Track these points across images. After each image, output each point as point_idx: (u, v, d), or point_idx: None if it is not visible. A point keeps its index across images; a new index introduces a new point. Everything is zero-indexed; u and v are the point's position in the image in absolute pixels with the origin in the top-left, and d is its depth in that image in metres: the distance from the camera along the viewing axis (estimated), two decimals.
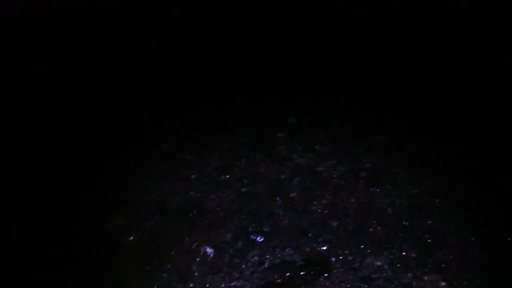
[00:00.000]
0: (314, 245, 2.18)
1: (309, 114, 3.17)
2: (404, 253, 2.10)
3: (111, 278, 2.11)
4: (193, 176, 2.69)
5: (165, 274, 2.10)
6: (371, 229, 2.25)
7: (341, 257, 2.10)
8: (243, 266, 2.10)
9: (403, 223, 2.27)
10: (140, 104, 3.31)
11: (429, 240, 2.16)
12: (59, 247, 2.26)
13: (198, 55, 3.59)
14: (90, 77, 2.95)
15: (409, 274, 2.00)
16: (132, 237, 2.33)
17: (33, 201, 2.50)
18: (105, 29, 2.95)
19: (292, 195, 2.50)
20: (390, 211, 2.35)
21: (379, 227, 2.25)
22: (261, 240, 2.23)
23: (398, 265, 2.04)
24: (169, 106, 3.36)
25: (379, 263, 2.06)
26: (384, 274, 2.01)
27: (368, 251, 2.12)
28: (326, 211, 2.38)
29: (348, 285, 1.96)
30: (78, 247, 2.26)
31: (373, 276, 2.00)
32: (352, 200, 2.44)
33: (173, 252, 2.21)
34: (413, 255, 2.08)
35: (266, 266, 2.08)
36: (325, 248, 2.16)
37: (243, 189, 2.57)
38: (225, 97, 3.47)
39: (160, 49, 3.32)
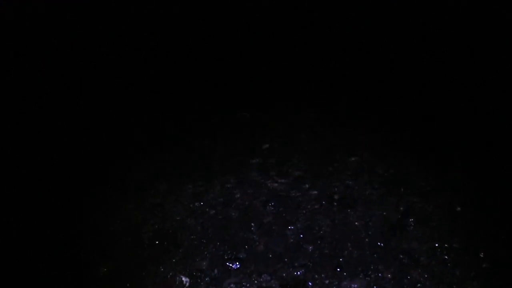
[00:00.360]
0: (290, 269, 2.17)
1: (281, 138, 3.19)
2: (380, 274, 2.11)
3: None
4: (166, 205, 2.64)
5: None
6: (346, 252, 2.25)
7: (317, 281, 2.10)
8: None
9: (378, 244, 2.28)
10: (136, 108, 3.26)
11: (404, 260, 2.17)
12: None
13: (198, 55, 3.55)
14: (90, 77, 2.91)
15: None
16: (105, 268, 2.27)
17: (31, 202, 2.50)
18: (105, 29, 2.92)
19: (266, 220, 2.49)
20: (365, 233, 2.36)
21: (354, 249, 2.26)
22: (237, 267, 2.21)
23: (374, 287, 2.04)
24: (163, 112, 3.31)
25: (355, 286, 2.06)
26: None
27: (344, 273, 2.13)
28: (301, 235, 2.38)
29: None
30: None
31: None
32: (327, 223, 2.44)
33: (148, 282, 2.16)
34: (389, 275, 2.09)
35: None
36: (301, 272, 2.16)
37: (218, 216, 2.54)
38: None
39: (160, 49, 3.29)
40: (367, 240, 2.32)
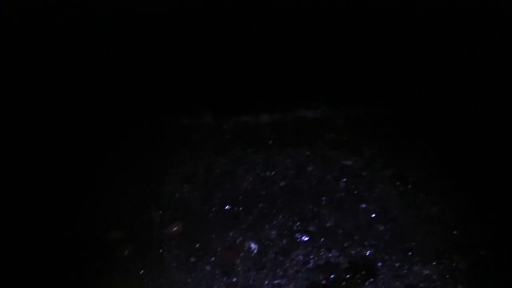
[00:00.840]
0: (360, 248, 2.15)
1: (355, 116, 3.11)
2: (454, 264, 2.04)
3: (154, 266, 2.13)
4: (238, 172, 2.67)
5: (208, 267, 2.11)
6: (419, 236, 2.19)
7: (387, 263, 2.06)
8: (287, 264, 2.08)
9: (453, 232, 2.20)
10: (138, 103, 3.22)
11: (481, 253, 2.08)
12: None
13: (199, 56, 3.51)
14: (90, 77, 2.94)
15: (459, 287, 1.94)
16: (176, 228, 2.35)
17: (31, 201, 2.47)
18: (105, 29, 2.95)
19: (338, 196, 2.46)
20: (439, 219, 2.28)
21: (427, 235, 2.19)
22: (306, 239, 2.21)
23: (447, 276, 1.98)
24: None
25: (427, 272, 2.01)
26: (433, 284, 1.95)
27: (416, 258, 2.07)
28: (373, 215, 2.33)
29: None
30: (123, 234, 2.31)
31: (420, 285, 1.96)
32: (400, 205, 2.38)
33: (217, 246, 2.22)
34: (464, 266, 2.02)
35: (310, 266, 2.06)
36: (371, 252, 2.12)
37: (289, 187, 2.54)
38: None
39: (160, 49, 3.29)
40: (441, 226, 2.24)
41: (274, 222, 2.33)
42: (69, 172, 2.65)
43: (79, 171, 2.68)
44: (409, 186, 2.50)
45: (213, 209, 2.44)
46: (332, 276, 2.00)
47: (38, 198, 2.47)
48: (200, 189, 2.56)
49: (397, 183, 2.52)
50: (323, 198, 2.44)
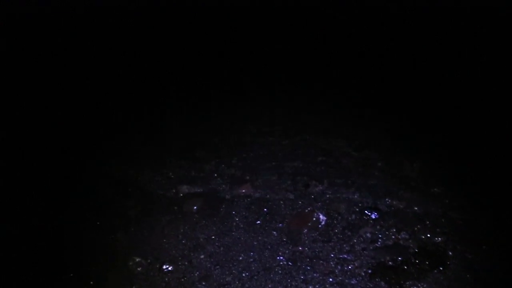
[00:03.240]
0: (431, 234, 2.09)
1: None
2: None
3: (221, 224, 2.19)
4: (307, 143, 2.65)
5: (275, 232, 2.13)
6: (494, 229, 2.10)
7: (459, 253, 2.00)
8: (355, 240, 2.07)
9: None
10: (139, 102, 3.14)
11: None
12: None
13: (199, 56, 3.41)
14: (90, 77, 2.91)
15: None
16: (245, 189, 2.39)
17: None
18: (105, 29, 2.90)
19: (412, 176, 2.40)
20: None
21: (500, 231, 2.10)
22: (376, 217, 2.18)
23: None
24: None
25: (498, 269, 1.93)
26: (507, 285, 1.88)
27: (491, 254, 2.00)
28: (446, 201, 2.26)
29: (466, 285, 1.86)
30: (193, 189, 2.37)
31: (490, 280, 1.89)
32: (475, 197, 2.28)
33: (285, 212, 2.24)
34: None
35: (378, 245, 2.04)
36: (442, 239, 2.07)
37: (361, 162, 2.50)
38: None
39: (160, 49, 3.21)
40: None
41: (345, 196, 2.31)
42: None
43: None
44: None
45: (285, 176, 2.45)
46: (399, 259, 1.97)
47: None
48: (273, 156, 2.57)
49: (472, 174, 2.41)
50: (396, 179, 2.39)
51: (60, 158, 2.40)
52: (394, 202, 2.26)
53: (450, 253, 2.00)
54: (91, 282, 1.90)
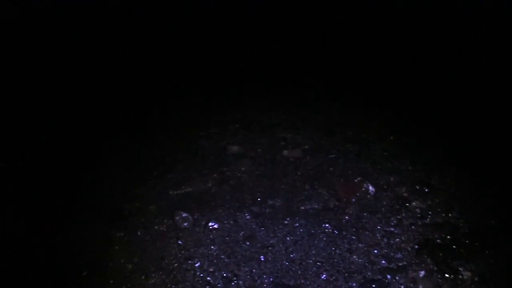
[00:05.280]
0: (483, 215, 2.02)
1: None
2: None
3: (270, 184, 2.20)
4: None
5: (322, 199, 2.13)
6: None
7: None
8: (403, 214, 2.04)
9: None
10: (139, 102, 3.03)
11: None
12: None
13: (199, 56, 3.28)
14: (90, 77, 2.84)
15: None
16: (296, 153, 2.39)
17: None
18: (105, 29, 2.82)
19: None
20: None
21: None
22: (426, 191, 2.13)
23: None
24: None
25: None
26: None
27: None
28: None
29: None
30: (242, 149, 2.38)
31: None
32: None
33: (334, 179, 2.22)
34: None
35: (427, 221, 2.00)
36: (494, 222, 1.99)
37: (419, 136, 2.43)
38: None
39: (160, 49, 3.11)
40: None
41: (396, 168, 2.26)
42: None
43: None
44: None
45: (336, 143, 2.42)
46: (448, 237, 1.92)
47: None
48: (327, 122, 2.55)
49: None
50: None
51: (60, 158, 2.40)
52: (447, 178, 2.20)
53: (503, 236, 1.93)
54: (139, 232, 1.97)
